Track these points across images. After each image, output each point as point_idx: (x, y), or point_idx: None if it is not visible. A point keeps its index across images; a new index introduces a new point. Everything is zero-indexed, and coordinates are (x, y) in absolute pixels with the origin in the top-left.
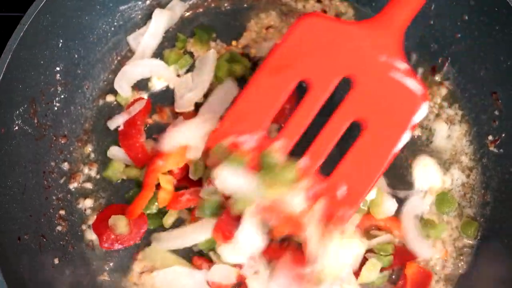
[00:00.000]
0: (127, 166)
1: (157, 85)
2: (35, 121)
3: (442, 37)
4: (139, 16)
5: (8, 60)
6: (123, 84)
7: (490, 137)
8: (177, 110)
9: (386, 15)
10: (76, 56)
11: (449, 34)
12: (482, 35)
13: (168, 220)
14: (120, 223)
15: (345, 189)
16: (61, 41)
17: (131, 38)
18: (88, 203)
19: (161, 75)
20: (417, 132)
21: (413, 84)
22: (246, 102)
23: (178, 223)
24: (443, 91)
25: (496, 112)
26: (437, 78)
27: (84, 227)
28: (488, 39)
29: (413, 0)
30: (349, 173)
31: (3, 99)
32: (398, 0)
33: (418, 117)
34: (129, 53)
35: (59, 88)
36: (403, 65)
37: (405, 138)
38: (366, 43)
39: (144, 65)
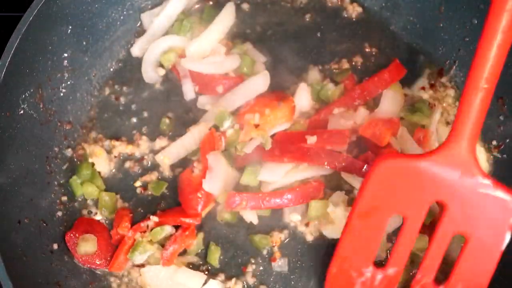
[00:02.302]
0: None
1: None
2: (41, 106)
3: (451, 40)
4: (149, 7)
5: (16, 44)
6: (148, 69)
7: (494, 142)
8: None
9: (455, 137)
10: (84, 43)
11: (457, 37)
12: None
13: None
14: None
15: None
16: (70, 27)
17: (145, 16)
18: None
19: (179, 47)
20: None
21: (502, 194)
22: (345, 250)
23: None
24: (450, 94)
25: (501, 118)
26: (444, 80)
27: (84, 212)
28: None
29: (476, 116)
30: (462, 281)
31: (10, 82)
32: (460, 122)
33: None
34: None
35: (66, 75)
36: (486, 181)
37: (506, 240)
38: (446, 170)
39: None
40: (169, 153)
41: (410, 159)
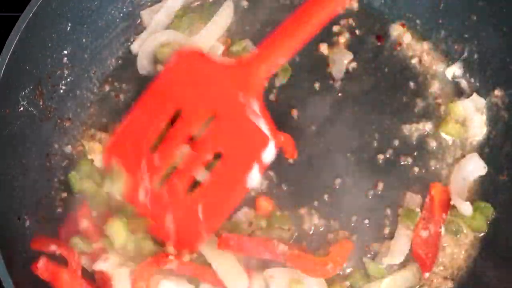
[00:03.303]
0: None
1: None
2: (41, 103)
3: (450, 37)
4: (148, 4)
5: (15, 41)
6: (144, 61)
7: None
8: None
9: (251, 60)
10: (84, 40)
11: (456, 34)
12: (489, 36)
13: None
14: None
15: (201, 212)
16: (69, 24)
17: (144, 13)
18: None
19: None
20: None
21: (263, 126)
22: (129, 127)
23: None
24: (448, 90)
25: None
26: (443, 77)
27: None
28: (495, 40)
29: (278, 56)
30: (205, 198)
31: (9, 80)
32: (263, 51)
33: (266, 157)
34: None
35: (66, 72)
36: (257, 107)
37: (254, 177)
38: (230, 81)
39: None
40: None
41: (206, 61)
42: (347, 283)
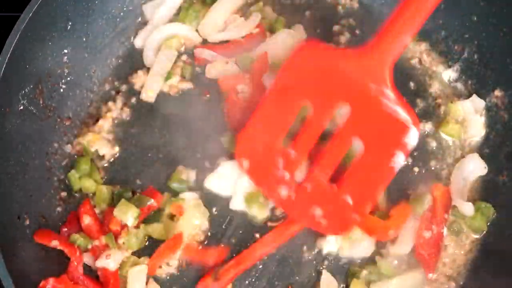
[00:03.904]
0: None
1: None
2: (40, 102)
3: (450, 37)
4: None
5: (15, 40)
6: (149, 53)
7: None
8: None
9: (376, 46)
10: (84, 39)
11: (457, 34)
12: (490, 36)
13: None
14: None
15: (350, 199)
16: (69, 23)
17: (146, 7)
18: None
19: (184, 35)
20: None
21: (401, 113)
22: (257, 125)
23: None
24: (448, 91)
25: None
26: (443, 78)
27: None
28: (496, 40)
29: (403, 35)
30: (353, 187)
31: (9, 78)
32: (388, 32)
33: (408, 142)
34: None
35: (66, 71)
36: (391, 95)
37: (399, 160)
38: (358, 72)
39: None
40: (150, 85)
41: (332, 51)
42: (365, 272)
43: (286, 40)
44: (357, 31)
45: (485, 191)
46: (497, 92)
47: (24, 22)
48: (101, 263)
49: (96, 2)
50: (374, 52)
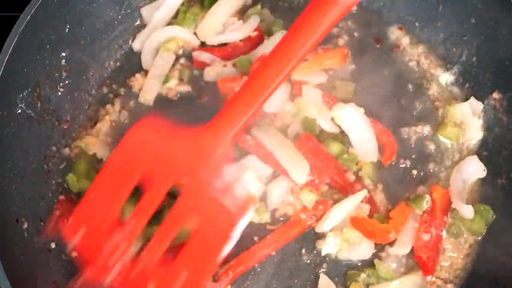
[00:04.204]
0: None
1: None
2: (38, 105)
3: (449, 40)
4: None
5: (13, 43)
6: (148, 56)
7: None
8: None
9: (211, 127)
10: (82, 42)
11: (455, 37)
12: (489, 39)
13: None
14: None
15: (186, 274)
16: (67, 26)
17: (144, 10)
18: None
19: (182, 38)
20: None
21: (230, 202)
22: (93, 199)
23: None
24: (446, 93)
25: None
26: (441, 80)
27: None
28: (495, 43)
29: (240, 114)
30: (188, 260)
31: (7, 81)
32: (223, 112)
33: (235, 232)
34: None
35: (64, 74)
36: (222, 181)
37: (228, 247)
38: (191, 153)
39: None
40: (148, 88)
41: (167, 131)
42: (363, 275)
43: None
44: (356, 34)
45: (484, 193)
46: (495, 95)
47: (23, 24)
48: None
49: (94, 5)
50: (208, 133)
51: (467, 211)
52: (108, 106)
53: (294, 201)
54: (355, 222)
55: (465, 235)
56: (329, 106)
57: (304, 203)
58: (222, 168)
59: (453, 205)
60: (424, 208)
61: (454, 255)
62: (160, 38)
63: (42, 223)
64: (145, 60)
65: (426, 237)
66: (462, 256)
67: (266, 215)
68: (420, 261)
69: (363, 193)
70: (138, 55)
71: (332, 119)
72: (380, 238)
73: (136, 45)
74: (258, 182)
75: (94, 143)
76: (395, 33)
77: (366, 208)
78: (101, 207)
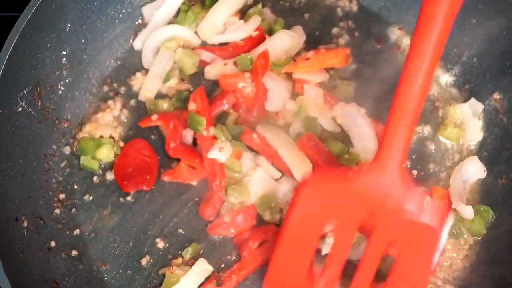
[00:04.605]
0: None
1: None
2: (39, 103)
3: (449, 40)
4: (148, 2)
5: (14, 42)
6: (148, 55)
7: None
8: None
9: (379, 160)
10: (83, 41)
11: (456, 37)
12: (489, 39)
13: None
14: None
15: None
16: (68, 25)
17: (146, 9)
18: None
19: (183, 37)
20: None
21: (427, 218)
22: (280, 264)
23: None
24: (452, 94)
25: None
26: (442, 81)
27: (84, 209)
28: (495, 44)
29: (401, 140)
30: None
31: (8, 80)
32: (386, 141)
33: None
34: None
35: (65, 72)
36: (412, 206)
37: (433, 259)
38: (372, 190)
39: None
40: (148, 86)
41: (338, 179)
42: None
43: (285, 41)
44: (356, 34)
45: (484, 194)
46: (496, 96)
47: (23, 23)
48: (213, 154)
49: (95, 3)
50: (378, 167)
51: (467, 211)
52: (109, 104)
53: None
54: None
55: (465, 236)
56: (330, 105)
57: None
58: (405, 193)
59: (453, 206)
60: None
61: (454, 256)
62: (161, 37)
63: (42, 222)
64: (146, 59)
65: None
66: (461, 257)
67: (278, 215)
68: None
69: None
70: (138, 54)
71: (333, 118)
72: None
73: (137, 44)
74: (271, 181)
75: (96, 127)
76: (395, 34)
77: None
78: (291, 268)
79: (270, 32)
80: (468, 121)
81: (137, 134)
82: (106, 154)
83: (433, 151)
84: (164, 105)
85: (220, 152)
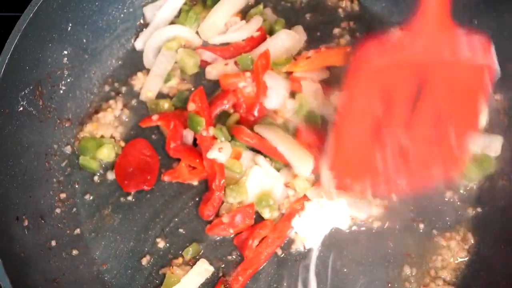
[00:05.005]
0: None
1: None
2: (40, 103)
3: None
4: (149, 2)
5: (16, 41)
6: (150, 55)
7: None
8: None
9: (423, 12)
10: (84, 41)
11: None
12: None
13: None
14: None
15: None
16: (70, 25)
17: (147, 9)
18: None
19: (184, 37)
20: None
21: (478, 59)
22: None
23: None
24: None
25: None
26: None
27: (84, 208)
28: (496, 44)
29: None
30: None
31: (9, 79)
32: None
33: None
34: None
35: (66, 72)
36: (462, 47)
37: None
38: (424, 45)
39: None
40: (149, 86)
41: (388, 50)
42: None
43: (285, 41)
44: (358, 34)
45: (484, 194)
46: (497, 97)
47: (25, 23)
48: (212, 155)
49: (97, 3)
50: (425, 18)
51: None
52: (110, 104)
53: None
54: None
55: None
56: (328, 96)
57: (297, 189)
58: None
59: None
60: None
61: (454, 256)
62: (162, 37)
63: (43, 221)
64: (147, 59)
65: None
66: (461, 257)
67: (276, 213)
68: None
69: None
70: (140, 54)
71: (335, 107)
72: None
73: (138, 44)
74: (268, 178)
75: (97, 127)
76: (397, 34)
77: None
78: (354, 145)
79: (271, 33)
80: None
81: (138, 134)
82: (107, 153)
83: None
84: (165, 105)
85: (219, 152)
